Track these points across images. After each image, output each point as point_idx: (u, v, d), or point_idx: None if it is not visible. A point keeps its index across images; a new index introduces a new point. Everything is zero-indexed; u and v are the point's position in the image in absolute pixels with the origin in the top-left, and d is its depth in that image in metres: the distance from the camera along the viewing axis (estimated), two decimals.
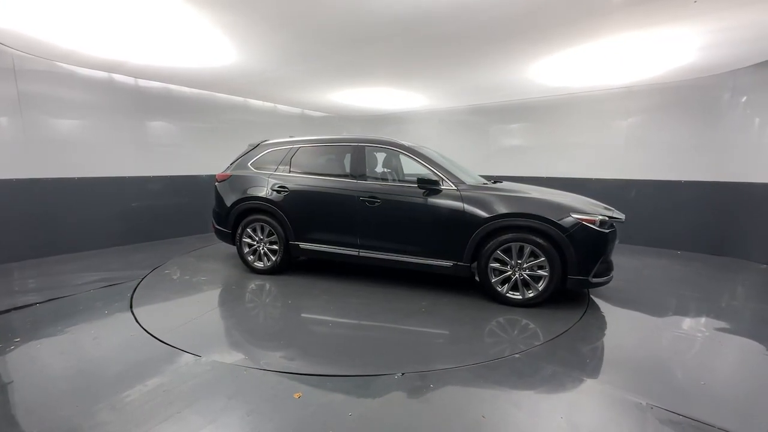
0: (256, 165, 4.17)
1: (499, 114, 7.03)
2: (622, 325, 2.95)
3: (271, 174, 4.01)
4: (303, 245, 3.80)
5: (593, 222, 3.01)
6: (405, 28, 3.26)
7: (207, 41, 3.65)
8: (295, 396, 1.99)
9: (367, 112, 8.49)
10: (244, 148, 4.47)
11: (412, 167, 3.74)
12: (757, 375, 2.27)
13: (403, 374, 2.20)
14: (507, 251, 3.17)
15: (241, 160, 4.30)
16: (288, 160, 4.01)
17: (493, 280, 3.23)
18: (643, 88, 5.47)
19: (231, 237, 4.18)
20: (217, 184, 4.34)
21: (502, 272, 3.22)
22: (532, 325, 2.87)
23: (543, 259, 3.08)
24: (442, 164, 3.56)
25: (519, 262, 3.16)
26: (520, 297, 3.18)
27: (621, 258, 4.70)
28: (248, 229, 4.06)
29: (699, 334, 2.77)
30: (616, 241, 3.22)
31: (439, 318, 2.99)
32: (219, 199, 4.28)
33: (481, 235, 3.21)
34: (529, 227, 3.10)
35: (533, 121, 6.67)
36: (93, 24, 3.24)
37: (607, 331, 2.83)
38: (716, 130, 5.01)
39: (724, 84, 4.89)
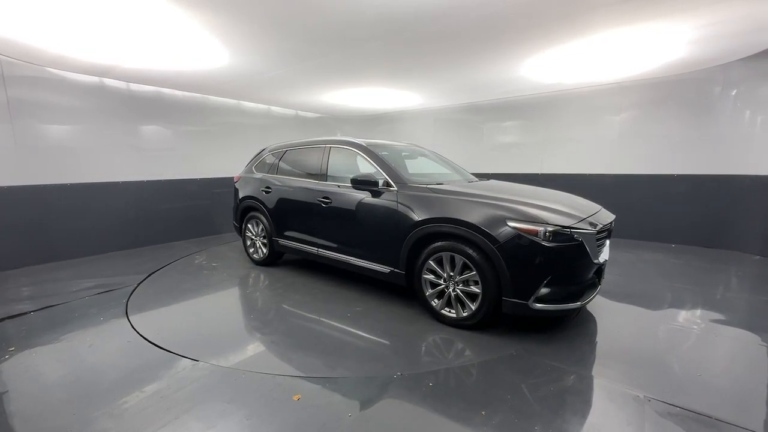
0: (257, 167, 4.64)
1: (493, 111, 7.04)
2: (617, 319, 2.97)
3: (264, 175, 4.43)
4: (281, 241, 4.10)
5: (534, 233, 2.44)
6: (398, 27, 3.26)
7: (197, 44, 3.63)
8: (294, 398, 1.98)
9: (362, 112, 8.49)
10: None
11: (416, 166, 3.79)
12: (752, 366, 2.30)
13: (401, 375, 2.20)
14: (439, 262, 2.83)
15: (250, 163, 4.80)
16: (276, 162, 4.40)
17: (427, 293, 2.93)
18: (634, 83, 5.50)
19: (239, 231, 4.79)
20: (234, 184, 4.87)
21: (435, 285, 2.89)
22: (461, 345, 2.57)
23: (474, 273, 2.65)
24: (389, 163, 3.35)
25: (452, 275, 2.79)
26: (455, 315, 2.80)
27: (615, 252, 4.73)
28: (249, 225, 4.56)
29: (695, 327, 2.80)
30: (591, 259, 2.57)
31: (360, 325, 2.86)
32: (234, 198, 4.84)
33: (412, 241, 2.93)
34: (460, 236, 2.69)
35: (527, 118, 6.68)
36: (81, 28, 3.21)
37: (603, 325, 2.85)
38: (708, 123, 5.06)
39: (715, 78, 4.93)
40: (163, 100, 5.77)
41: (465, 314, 2.75)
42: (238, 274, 4.08)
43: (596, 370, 2.25)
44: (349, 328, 2.79)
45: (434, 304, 2.90)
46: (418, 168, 3.80)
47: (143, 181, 5.56)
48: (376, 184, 3.15)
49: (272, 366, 2.31)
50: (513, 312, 2.54)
